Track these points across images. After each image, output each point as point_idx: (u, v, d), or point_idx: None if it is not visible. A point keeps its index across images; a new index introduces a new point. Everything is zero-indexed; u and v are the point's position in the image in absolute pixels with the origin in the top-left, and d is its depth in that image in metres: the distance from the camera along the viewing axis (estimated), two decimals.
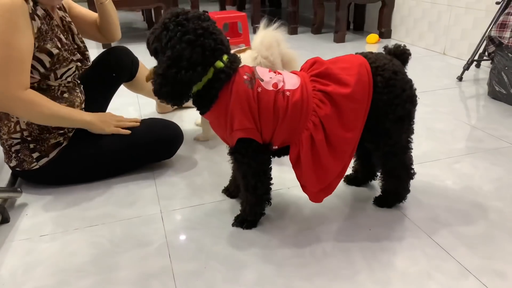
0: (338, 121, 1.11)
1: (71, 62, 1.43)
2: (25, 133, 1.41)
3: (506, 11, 2.17)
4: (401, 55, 1.20)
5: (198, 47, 1.03)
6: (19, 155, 1.43)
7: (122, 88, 1.90)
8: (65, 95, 1.46)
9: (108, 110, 1.87)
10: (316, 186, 1.16)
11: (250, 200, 1.23)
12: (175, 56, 1.02)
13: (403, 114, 1.15)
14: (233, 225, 1.28)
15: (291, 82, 1.14)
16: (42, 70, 1.36)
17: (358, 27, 4.15)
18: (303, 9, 5.03)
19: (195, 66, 1.04)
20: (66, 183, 1.53)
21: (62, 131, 1.45)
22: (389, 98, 1.13)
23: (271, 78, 1.14)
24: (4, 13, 1.22)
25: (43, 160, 1.43)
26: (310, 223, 1.29)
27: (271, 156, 1.22)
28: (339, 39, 3.64)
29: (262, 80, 1.12)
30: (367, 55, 1.18)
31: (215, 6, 5.66)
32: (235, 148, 1.16)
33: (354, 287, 1.04)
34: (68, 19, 1.51)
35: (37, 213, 1.38)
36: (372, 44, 3.59)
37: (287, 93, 1.12)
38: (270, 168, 1.22)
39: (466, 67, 2.56)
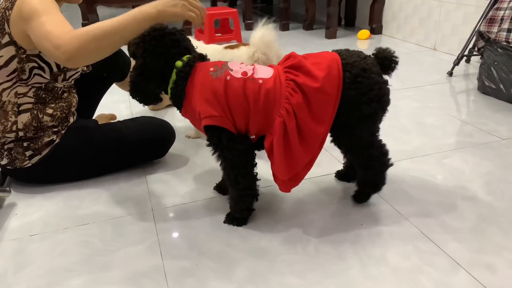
0: (308, 111, 1.13)
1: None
2: (20, 133, 1.39)
3: (495, 6, 2.18)
4: (385, 59, 1.20)
5: (162, 58, 1.16)
6: (11, 153, 1.41)
7: (114, 86, 1.88)
8: (65, 95, 1.45)
9: (98, 107, 1.86)
10: (286, 174, 1.18)
11: (233, 195, 1.24)
12: (143, 66, 1.16)
13: (368, 113, 1.15)
14: (224, 222, 1.28)
15: (265, 72, 1.17)
16: (55, 69, 1.36)
17: (350, 23, 4.16)
18: (294, 5, 5.02)
19: (158, 75, 1.18)
20: (56, 181, 1.51)
21: (56, 129, 1.43)
22: (356, 94, 1.14)
23: (240, 68, 1.17)
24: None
25: (36, 158, 1.41)
26: (301, 219, 1.29)
27: (252, 149, 1.22)
28: (331, 35, 3.64)
29: (232, 70, 1.16)
30: (341, 52, 1.19)
31: (207, 2, 5.63)
32: (207, 139, 1.19)
33: (346, 282, 1.04)
34: None
35: (27, 212, 1.36)
36: (364, 40, 3.60)
37: (260, 81, 1.14)
38: (251, 161, 1.21)
39: (456, 62, 2.57)
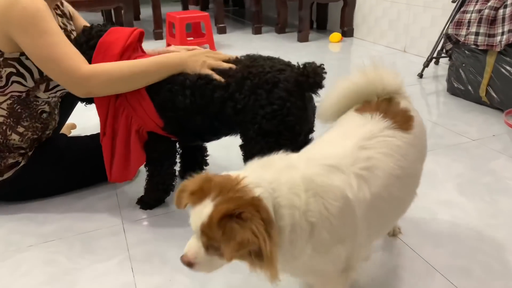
0: None
1: None
2: None
3: (461, 10, 2.23)
4: (308, 76, 1.07)
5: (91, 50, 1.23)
6: None
7: None
8: (44, 115, 1.38)
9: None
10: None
11: (148, 184, 1.36)
12: None
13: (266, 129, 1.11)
14: (137, 203, 1.39)
15: None
16: (37, 76, 1.27)
17: (321, 26, 4.18)
18: (266, 8, 5.01)
19: None
20: (19, 199, 1.42)
21: (23, 151, 1.35)
22: (253, 105, 1.12)
23: None
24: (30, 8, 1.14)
25: None
26: None
27: (171, 148, 1.33)
28: (303, 38, 3.65)
29: None
30: (256, 59, 1.17)
31: (178, 6, 5.56)
32: None
33: None
34: (71, 27, 1.43)
35: None
36: (335, 42, 3.62)
37: None
38: (169, 160, 1.33)
39: (426, 64, 2.62)
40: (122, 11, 3.73)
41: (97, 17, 5.12)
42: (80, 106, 1.65)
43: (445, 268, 1.09)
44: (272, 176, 0.71)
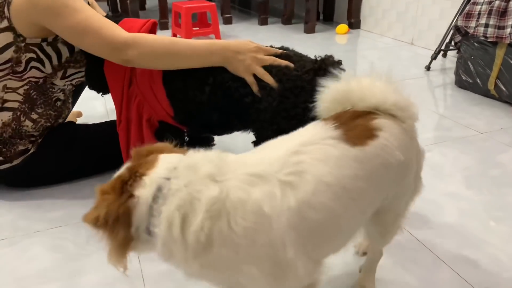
0: None
1: (83, 66, 1.36)
2: None
3: (472, 1, 2.20)
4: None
5: None
6: None
7: None
8: (58, 103, 1.38)
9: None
10: None
11: None
12: None
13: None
14: None
15: None
16: (55, 62, 1.28)
17: (328, 18, 4.15)
18: None
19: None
20: (28, 186, 1.43)
21: (33, 138, 1.35)
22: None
23: None
24: None
25: (5, 166, 1.33)
26: None
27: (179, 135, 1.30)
28: (309, 29, 3.62)
29: None
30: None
31: None
32: None
33: (328, 280, 1.02)
34: None
35: None
36: (342, 34, 3.59)
37: None
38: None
39: (434, 57, 2.59)
40: (128, 1, 3.72)
41: (103, 6, 5.10)
42: (84, 94, 1.66)
43: (452, 260, 1.08)
44: (185, 182, 0.67)
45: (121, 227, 0.67)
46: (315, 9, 3.62)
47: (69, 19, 1.13)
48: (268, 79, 1.09)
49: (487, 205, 1.31)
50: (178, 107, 1.21)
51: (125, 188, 0.68)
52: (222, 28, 3.65)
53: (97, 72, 1.29)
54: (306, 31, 3.64)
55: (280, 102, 1.06)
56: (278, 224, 0.68)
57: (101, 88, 1.34)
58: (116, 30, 1.13)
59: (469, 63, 2.18)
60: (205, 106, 1.16)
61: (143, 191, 0.67)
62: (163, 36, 1.16)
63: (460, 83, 2.28)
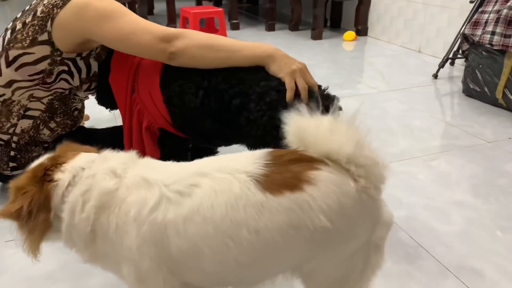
0: None
1: None
2: (14, 139, 1.30)
3: (480, 10, 2.20)
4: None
5: None
6: None
7: None
8: (75, 113, 1.41)
9: None
10: None
11: None
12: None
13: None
14: None
15: None
16: (84, 76, 1.31)
17: (335, 25, 4.16)
18: (280, 5, 5.01)
19: None
20: None
21: (46, 145, 1.36)
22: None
23: None
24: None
25: (18, 171, 1.34)
26: None
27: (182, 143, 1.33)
28: (316, 36, 3.64)
29: None
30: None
31: (192, 1, 5.57)
32: None
33: None
34: None
35: None
36: (349, 41, 3.60)
37: None
38: (180, 157, 1.26)
39: (441, 65, 2.59)
40: (136, 5, 3.76)
41: None
42: (91, 98, 1.68)
43: (457, 268, 1.08)
44: (93, 172, 0.72)
45: (42, 213, 0.71)
46: (323, 16, 3.64)
47: (118, 21, 1.15)
48: (304, 94, 1.04)
49: (493, 214, 1.30)
50: (174, 112, 1.21)
51: (46, 173, 0.73)
52: (230, 33, 3.68)
53: (107, 89, 1.32)
54: (313, 37, 3.65)
55: (270, 117, 1.01)
56: (139, 232, 0.68)
57: (110, 103, 1.38)
58: (162, 26, 1.18)
59: (477, 72, 2.18)
60: (198, 111, 1.17)
61: (62, 175, 0.72)
62: (208, 34, 1.19)
63: (468, 92, 2.28)
